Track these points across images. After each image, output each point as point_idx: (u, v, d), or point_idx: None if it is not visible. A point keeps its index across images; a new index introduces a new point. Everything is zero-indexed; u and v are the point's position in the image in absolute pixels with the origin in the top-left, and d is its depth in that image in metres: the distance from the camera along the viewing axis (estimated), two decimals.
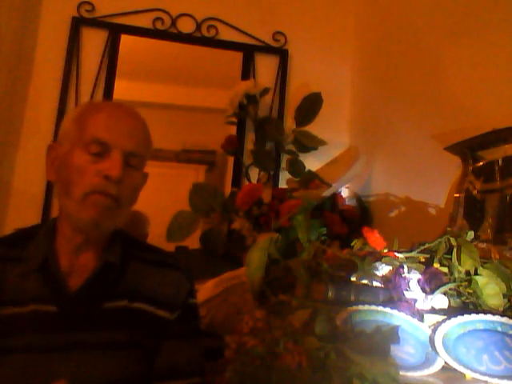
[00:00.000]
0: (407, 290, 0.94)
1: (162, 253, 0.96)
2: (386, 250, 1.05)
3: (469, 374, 0.79)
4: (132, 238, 0.94)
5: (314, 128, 1.83)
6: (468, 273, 0.95)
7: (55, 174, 0.84)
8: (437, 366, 0.81)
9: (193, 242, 1.63)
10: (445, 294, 0.94)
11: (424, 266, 0.98)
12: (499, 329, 0.84)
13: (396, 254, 1.02)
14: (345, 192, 1.81)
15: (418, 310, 0.92)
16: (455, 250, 0.97)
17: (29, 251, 0.82)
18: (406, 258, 1.01)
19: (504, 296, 0.92)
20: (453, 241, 0.99)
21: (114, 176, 0.78)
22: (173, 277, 0.90)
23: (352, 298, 0.94)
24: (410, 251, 1.03)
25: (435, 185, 1.39)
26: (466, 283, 0.94)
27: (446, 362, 0.81)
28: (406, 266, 0.97)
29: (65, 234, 0.83)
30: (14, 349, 0.76)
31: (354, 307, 0.90)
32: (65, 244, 0.83)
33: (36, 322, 0.78)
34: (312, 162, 1.86)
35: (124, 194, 0.81)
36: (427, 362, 0.82)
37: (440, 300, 0.93)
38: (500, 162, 1.14)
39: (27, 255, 0.81)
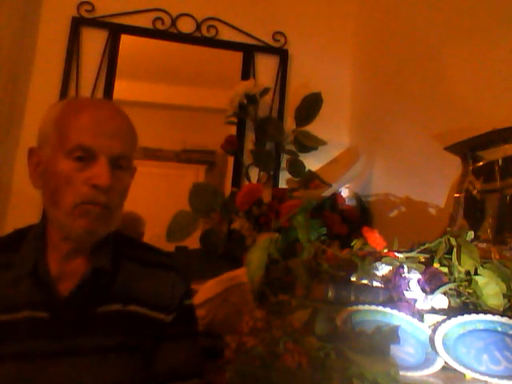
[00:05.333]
0: (407, 290, 0.94)
1: (156, 252, 0.93)
2: (386, 250, 1.05)
3: (469, 374, 0.78)
4: (125, 237, 0.91)
5: (314, 128, 1.83)
6: (468, 273, 0.95)
7: (40, 181, 0.80)
8: (437, 366, 0.81)
9: (193, 242, 1.63)
10: (445, 294, 0.93)
11: (424, 266, 0.98)
12: (499, 329, 0.83)
13: (396, 254, 1.02)
14: (345, 192, 1.81)
15: (418, 310, 0.92)
16: (455, 249, 0.97)
17: (19, 256, 0.80)
18: (406, 258, 1.01)
19: (504, 296, 0.92)
20: (453, 241, 0.99)
21: (102, 185, 0.75)
22: (168, 278, 0.88)
23: (352, 298, 0.94)
24: (410, 251, 1.03)
25: (435, 185, 1.39)
26: (466, 283, 0.94)
27: (445, 362, 0.80)
28: (406, 266, 0.97)
29: (53, 241, 0.81)
30: (7, 356, 0.74)
31: (354, 307, 0.90)
32: (54, 250, 0.81)
33: (29, 328, 0.76)
34: (312, 162, 1.86)
35: (114, 200, 0.79)
36: (427, 362, 0.81)
37: (440, 300, 0.93)
38: (500, 162, 1.14)
39: (18, 260, 0.79)
